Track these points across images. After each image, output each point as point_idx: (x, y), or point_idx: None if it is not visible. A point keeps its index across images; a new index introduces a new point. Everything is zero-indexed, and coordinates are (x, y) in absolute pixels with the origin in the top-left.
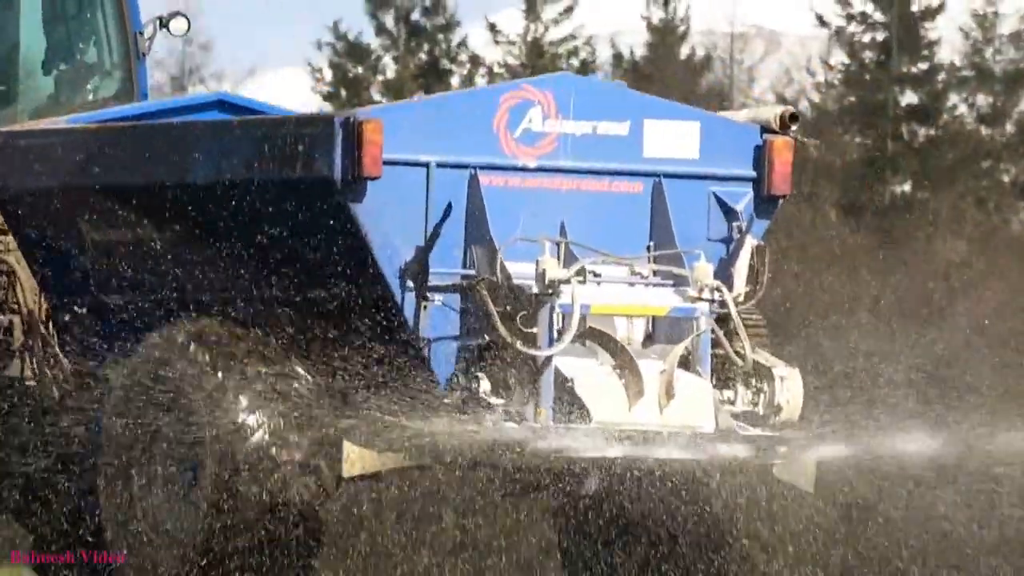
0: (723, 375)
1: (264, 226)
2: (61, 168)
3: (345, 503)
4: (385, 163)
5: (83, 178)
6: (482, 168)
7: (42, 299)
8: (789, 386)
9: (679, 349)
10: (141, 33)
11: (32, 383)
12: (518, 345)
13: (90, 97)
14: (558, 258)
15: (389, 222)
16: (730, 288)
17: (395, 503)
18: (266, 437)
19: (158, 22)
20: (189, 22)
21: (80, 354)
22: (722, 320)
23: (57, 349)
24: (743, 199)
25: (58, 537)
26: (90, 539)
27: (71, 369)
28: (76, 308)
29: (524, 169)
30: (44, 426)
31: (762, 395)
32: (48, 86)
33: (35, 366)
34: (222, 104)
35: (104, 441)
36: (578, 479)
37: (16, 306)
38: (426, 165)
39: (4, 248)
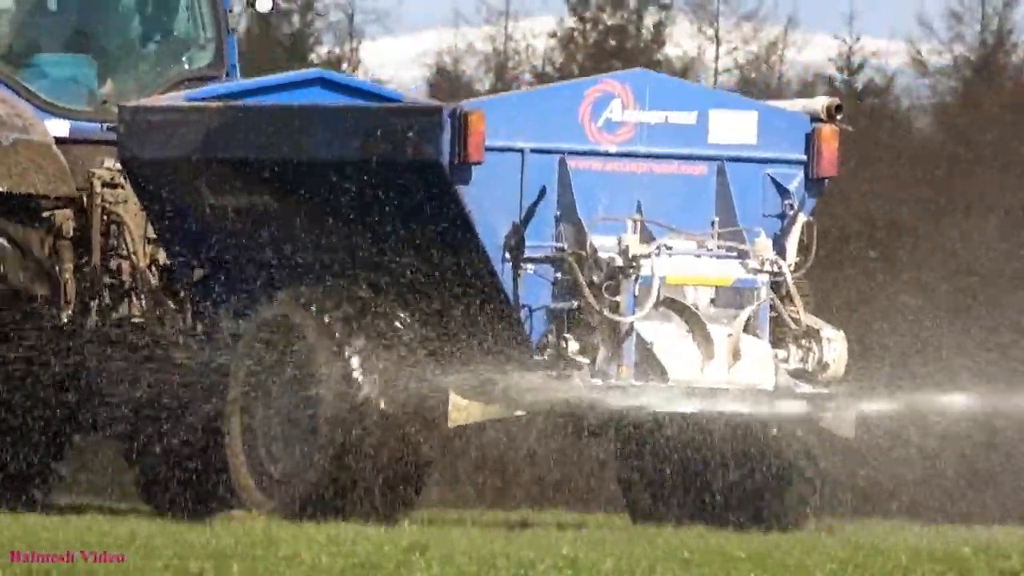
0: (777, 336)
1: (376, 202)
2: (185, 140)
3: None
4: (487, 149)
5: (205, 150)
6: (570, 153)
7: (146, 247)
8: (835, 346)
9: (745, 315)
10: (230, 10)
11: (139, 320)
12: (605, 312)
13: (185, 68)
14: (638, 235)
15: (490, 201)
16: (783, 259)
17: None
18: (378, 390)
19: (245, 1)
20: (274, 2)
21: (199, 303)
22: (775, 287)
23: (161, 293)
24: (795, 180)
25: (172, 470)
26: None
27: (180, 313)
28: (194, 263)
29: (606, 154)
30: (156, 361)
31: (811, 354)
32: (148, 58)
33: (142, 306)
34: (323, 81)
35: (232, 383)
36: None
37: (125, 252)
38: (521, 151)
39: (115, 201)
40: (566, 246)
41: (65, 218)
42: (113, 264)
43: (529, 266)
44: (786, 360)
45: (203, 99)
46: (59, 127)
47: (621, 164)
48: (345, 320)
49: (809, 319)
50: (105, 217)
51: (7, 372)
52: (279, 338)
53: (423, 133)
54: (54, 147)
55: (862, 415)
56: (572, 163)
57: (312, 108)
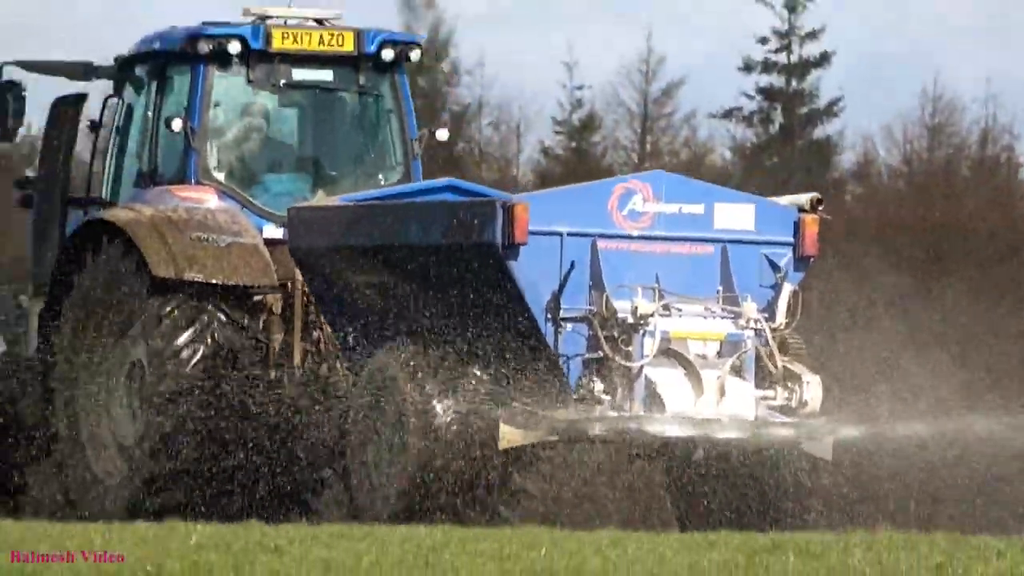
0: (768, 379)
1: (453, 277)
2: (331, 232)
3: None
4: (531, 233)
5: (344, 240)
6: (599, 236)
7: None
8: (812, 388)
9: (729, 362)
10: (415, 139)
11: (331, 378)
12: (617, 359)
13: (380, 183)
14: (654, 299)
15: (535, 273)
16: (773, 319)
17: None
18: (450, 421)
19: (428, 131)
20: (450, 132)
21: (351, 362)
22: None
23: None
24: (784, 258)
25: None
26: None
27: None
28: (348, 329)
29: (629, 237)
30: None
31: (794, 394)
32: (351, 176)
33: (334, 366)
34: (453, 188)
35: (351, 419)
36: (688, 449)
37: (319, 324)
38: (560, 234)
39: None
40: (594, 308)
41: (275, 300)
42: (315, 335)
43: (568, 324)
44: (773, 398)
45: (356, 201)
46: (275, 231)
47: (642, 245)
48: (427, 369)
49: (793, 365)
50: (305, 298)
51: (234, 419)
52: (381, 383)
53: (482, 221)
54: (261, 247)
55: (839, 440)
56: (602, 244)
57: (410, 205)
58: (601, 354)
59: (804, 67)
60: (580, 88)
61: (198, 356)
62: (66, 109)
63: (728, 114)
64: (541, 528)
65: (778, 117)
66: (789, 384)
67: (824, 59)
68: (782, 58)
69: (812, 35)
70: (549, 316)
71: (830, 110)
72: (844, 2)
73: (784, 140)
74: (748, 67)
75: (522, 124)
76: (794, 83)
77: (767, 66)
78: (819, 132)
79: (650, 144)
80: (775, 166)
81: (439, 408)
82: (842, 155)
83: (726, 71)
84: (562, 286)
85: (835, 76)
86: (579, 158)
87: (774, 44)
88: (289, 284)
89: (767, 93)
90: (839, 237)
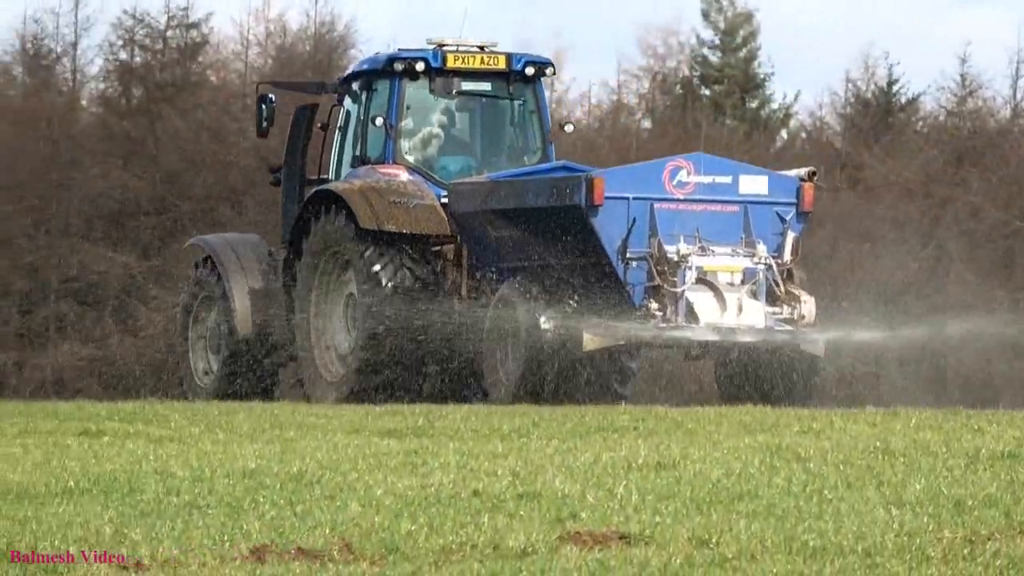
0: (776, 299)
1: (553, 229)
2: (477, 199)
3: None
4: (606, 198)
5: (485, 204)
6: (655, 200)
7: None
8: (808, 306)
9: (746, 288)
10: (549, 132)
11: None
12: (666, 286)
13: (525, 163)
14: (694, 244)
15: (609, 226)
16: (781, 258)
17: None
18: (550, 330)
19: (558, 126)
20: (573, 126)
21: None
22: (784, 273)
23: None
24: (790, 213)
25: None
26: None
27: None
28: (490, 268)
29: (677, 200)
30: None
31: (795, 310)
32: (504, 157)
33: (489, 296)
34: (565, 167)
35: (486, 327)
36: (724, 350)
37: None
38: (627, 198)
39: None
40: (651, 250)
41: (448, 248)
42: (477, 274)
43: (633, 262)
44: (780, 313)
45: (493, 178)
46: None
47: (687, 206)
48: (535, 296)
49: (794, 289)
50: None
51: (423, 333)
52: (506, 306)
53: (571, 190)
54: (438, 208)
55: (830, 342)
56: (657, 206)
57: (526, 180)
58: (655, 283)
59: None
60: None
61: (395, 290)
62: (304, 115)
63: None
64: None
65: None
66: (791, 303)
67: None
68: None
69: None
70: (619, 256)
71: None
72: None
73: None
74: None
75: None
76: None
77: None
78: None
79: None
80: None
81: (542, 322)
82: None
83: None
84: (628, 235)
85: None
86: None
87: None
88: (458, 236)
89: None
90: None
